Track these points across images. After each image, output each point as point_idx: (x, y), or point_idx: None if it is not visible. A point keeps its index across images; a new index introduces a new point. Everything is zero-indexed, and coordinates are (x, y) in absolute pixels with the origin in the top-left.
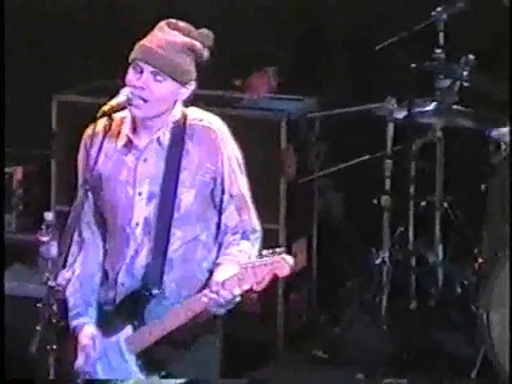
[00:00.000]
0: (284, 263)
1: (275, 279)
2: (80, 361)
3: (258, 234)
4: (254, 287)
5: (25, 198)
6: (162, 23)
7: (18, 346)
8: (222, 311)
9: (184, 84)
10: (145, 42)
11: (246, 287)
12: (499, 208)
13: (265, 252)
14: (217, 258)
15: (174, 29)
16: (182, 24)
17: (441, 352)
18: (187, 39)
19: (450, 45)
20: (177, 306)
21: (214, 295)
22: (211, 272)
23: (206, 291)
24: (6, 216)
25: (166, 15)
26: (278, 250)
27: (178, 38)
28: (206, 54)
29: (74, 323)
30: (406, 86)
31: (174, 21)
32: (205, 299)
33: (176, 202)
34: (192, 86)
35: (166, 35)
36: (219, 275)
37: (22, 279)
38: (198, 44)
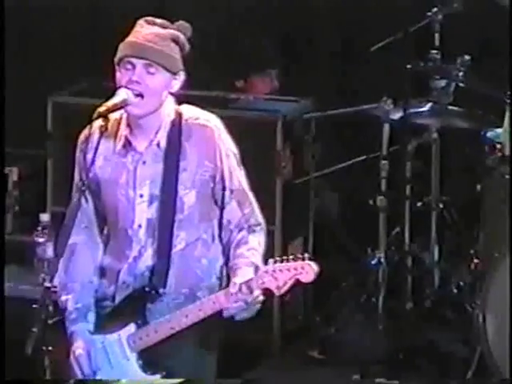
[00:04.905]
0: (309, 269)
1: (298, 285)
2: (73, 370)
3: (263, 226)
4: (275, 292)
5: (20, 199)
6: (141, 21)
7: (13, 348)
8: (244, 315)
9: (174, 74)
10: (130, 38)
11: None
12: (494, 208)
13: (289, 257)
14: (227, 258)
15: (153, 24)
16: (159, 20)
17: (437, 352)
18: (170, 30)
19: (445, 45)
20: (177, 301)
21: (233, 298)
22: (215, 271)
23: (220, 293)
24: None
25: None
26: (301, 255)
27: (161, 30)
28: (187, 44)
29: (72, 328)
30: (402, 87)
31: (151, 18)
32: (219, 301)
33: (178, 203)
34: (181, 76)
35: (149, 30)
36: (237, 279)
37: (17, 280)
38: (180, 35)
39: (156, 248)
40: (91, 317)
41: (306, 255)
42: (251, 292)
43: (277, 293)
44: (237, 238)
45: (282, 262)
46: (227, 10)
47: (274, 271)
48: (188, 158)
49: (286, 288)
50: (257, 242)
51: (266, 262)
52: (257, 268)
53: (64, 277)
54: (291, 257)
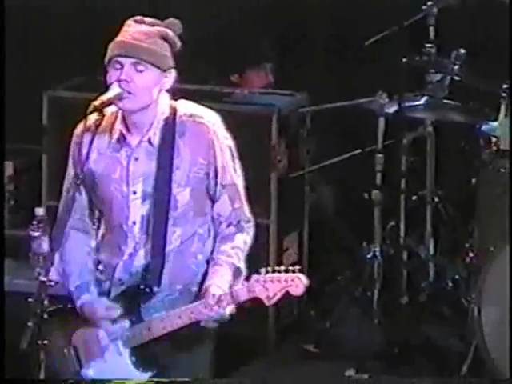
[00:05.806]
0: (298, 282)
1: (287, 297)
2: (105, 330)
3: (252, 223)
4: (265, 302)
5: (16, 194)
6: (129, 21)
7: (8, 342)
8: (213, 325)
9: (164, 71)
10: (118, 38)
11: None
12: (490, 202)
13: (280, 268)
14: (212, 250)
15: (141, 23)
16: (148, 19)
17: (432, 346)
18: (159, 28)
19: (440, 39)
20: (171, 297)
21: (207, 311)
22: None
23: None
24: None
25: (154, 15)
26: (292, 267)
27: (149, 28)
28: (178, 41)
29: (79, 303)
30: (397, 81)
31: (139, 17)
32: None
33: (172, 201)
34: (172, 73)
35: (137, 28)
36: (214, 281)
37: (13, 274)
38: (169, 32)
39: (150, 246)
40: (93, 289)
41: (297, 267)
42: (224, 307)
43: (267, 303)
44: (224, 232)
45: (273, 272)
46: (222, 4)
47: (264, 281)
48: (182, 156)
49: (275, 299)
50: (242, 240)
51: (258, 261)
52: (238, 270)
53: (61, 263)
54: (282, 268)
